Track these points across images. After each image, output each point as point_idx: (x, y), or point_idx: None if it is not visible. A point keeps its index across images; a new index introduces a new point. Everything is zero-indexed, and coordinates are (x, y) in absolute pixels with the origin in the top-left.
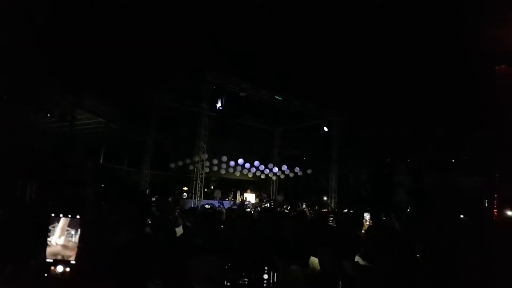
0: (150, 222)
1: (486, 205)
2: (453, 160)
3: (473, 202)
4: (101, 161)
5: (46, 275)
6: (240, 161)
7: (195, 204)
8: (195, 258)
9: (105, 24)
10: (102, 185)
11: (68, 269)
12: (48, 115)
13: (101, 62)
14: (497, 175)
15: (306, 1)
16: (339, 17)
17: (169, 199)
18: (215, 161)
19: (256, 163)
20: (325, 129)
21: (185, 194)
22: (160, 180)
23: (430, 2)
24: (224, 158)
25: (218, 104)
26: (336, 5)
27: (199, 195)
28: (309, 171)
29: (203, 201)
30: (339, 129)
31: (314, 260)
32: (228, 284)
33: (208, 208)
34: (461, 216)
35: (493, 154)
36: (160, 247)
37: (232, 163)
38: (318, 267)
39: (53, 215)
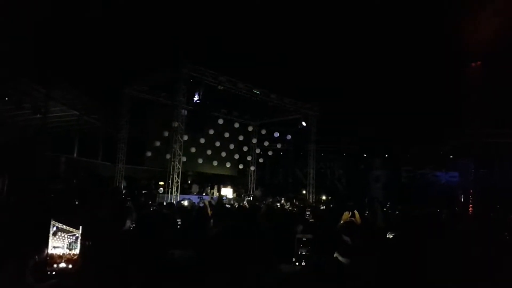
0: (134, 224)
1: (462, 200)
2: (429, 156)
3: (449, 197)
4: (75, 155)
5: (48, 272)
6: (220, 121)
7: (171, 199)
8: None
9: (80, 14)
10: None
11: (70, 266)
12: (21, 107)
13: (76, 53)
14: (473, 170)
15: None
16: (317, 12)
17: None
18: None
19: (236, 124)
20: (304, 123)
21: (161, 189)
22: (135, 174)
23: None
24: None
25: (196, 98)
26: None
27: (176, 190)
28: (288, 137)
29: (180, 196)
30: (316, 124)
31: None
32: None
33: (186, 205)
34: (438, 210)
35: (465, 150)
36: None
37: (211, 130)
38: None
39: (53, 221)
